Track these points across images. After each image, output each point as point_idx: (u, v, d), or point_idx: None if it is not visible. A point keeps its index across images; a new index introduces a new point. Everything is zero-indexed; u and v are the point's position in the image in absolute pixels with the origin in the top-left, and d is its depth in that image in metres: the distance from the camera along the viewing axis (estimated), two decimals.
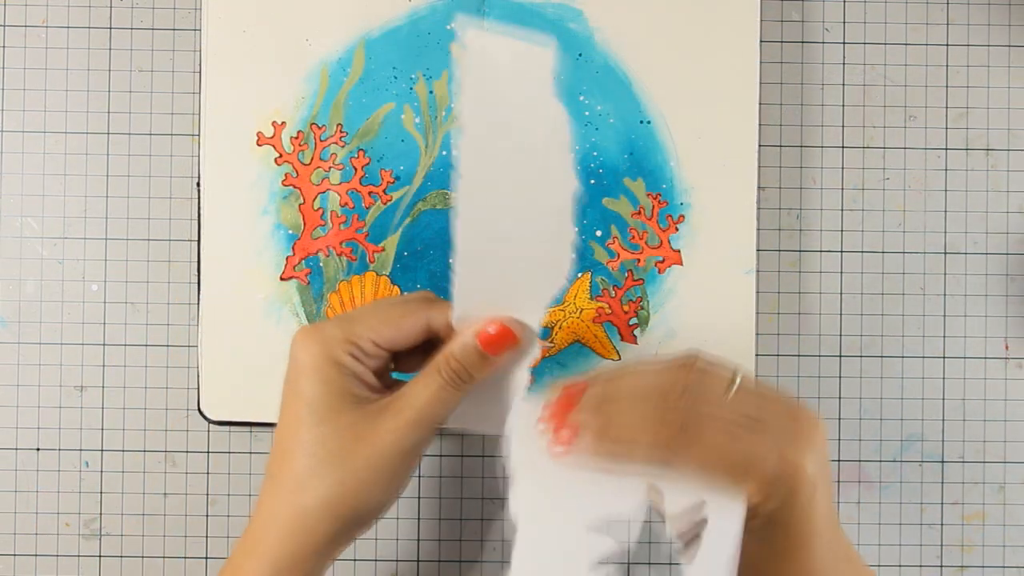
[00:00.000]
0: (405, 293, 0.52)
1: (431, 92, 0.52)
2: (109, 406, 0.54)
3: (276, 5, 0.52)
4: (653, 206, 0.53)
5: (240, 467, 0.54)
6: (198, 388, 0.52)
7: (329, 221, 0.52)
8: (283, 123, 0.52)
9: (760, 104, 0.53)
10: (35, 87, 0.54)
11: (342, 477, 0.40)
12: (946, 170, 0.54)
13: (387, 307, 0.43)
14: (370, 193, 0.52)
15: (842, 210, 0.54)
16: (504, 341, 0.42)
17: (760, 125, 0.53)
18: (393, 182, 0.52)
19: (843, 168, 0.54)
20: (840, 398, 0.54)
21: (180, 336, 0.54)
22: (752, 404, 0.38)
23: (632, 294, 0.53)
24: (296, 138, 0.52)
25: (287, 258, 0.52)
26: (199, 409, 0.52)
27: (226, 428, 0.54)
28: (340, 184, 0.52)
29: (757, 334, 0.53)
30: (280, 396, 0.42)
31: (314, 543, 0.40)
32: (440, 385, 0.41)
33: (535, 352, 0.43)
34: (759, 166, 0.53)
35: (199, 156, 0.52)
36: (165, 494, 0.54)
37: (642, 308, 0.53)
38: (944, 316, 0.54)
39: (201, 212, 0.52)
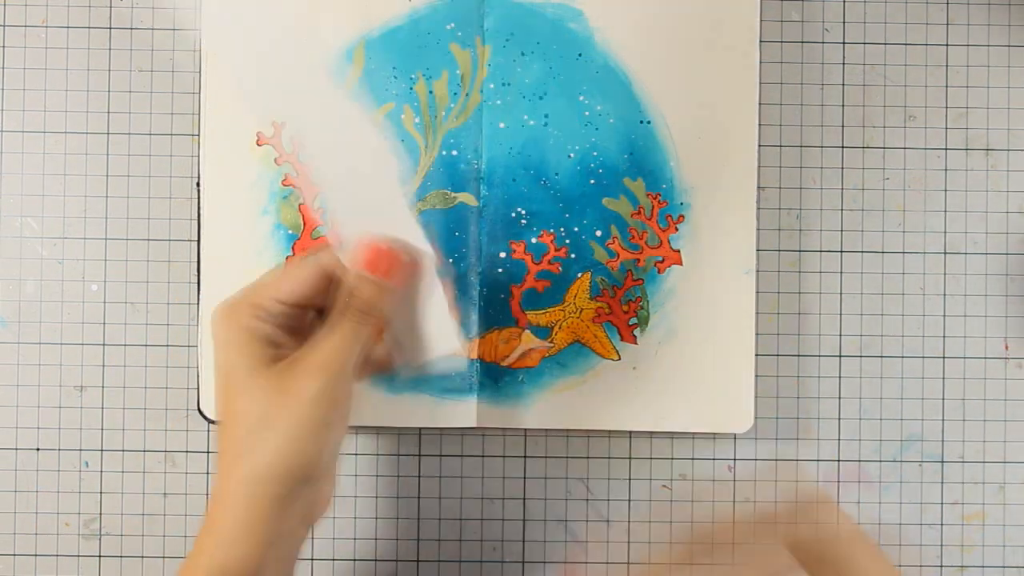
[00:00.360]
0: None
1: (431, 92, 0.52)
2: (109, 406, 0.54)
3: (276, 5, 0.52)
4: (653, 206, 0.53)
5: None
6: (198, 388, 0.52)
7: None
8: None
9: (760, 104, 0.53)
10: (35, 87, 0.54)
11: (271, 436, 0.41)
12: (946, 170, 0.54)
13: (285, 265, 0.44)
14: None
15: (842, 210, 0.54)
16: (383, 258, 0.43)
17: (760, 125, 0.53)
18: None
19: (843, 168, 0.54)
20: (840, 398, 0.54)
21: (180, 336, 0.54)
22: None
23: (632, 294, 0.53)
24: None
25: (287, 258, 0.52)
26: (199, 409, 0.52)
27: None
28: None
29: (757, 334, 0.53)
30: None
31: (262, 508, 0.41)
32: (346, 325, 0.42)
33: (432, 271, 0.45)
34: (759, 166, 0.53)
35: (199, 156, 0.52)
36: (165, 494, 0.54)
37: (642, 308, 0.53)
38: (944, 316, 0.54)
39: (201, 212, 0.52)
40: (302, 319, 0.45)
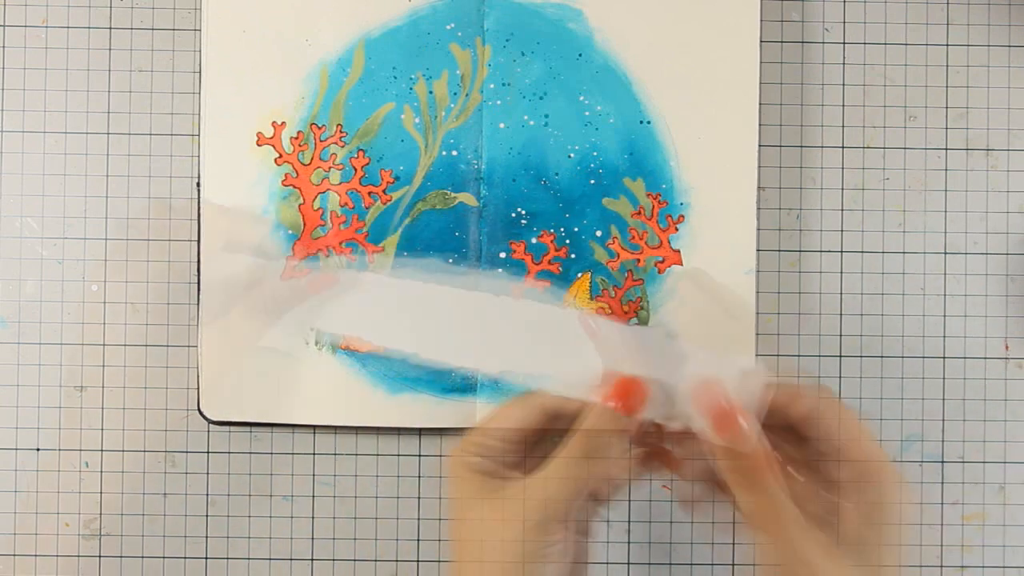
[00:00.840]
0: None
1: (431, 92, 0.52)
2: (109, 406, 0.54)
3: (276, 5, 0.52)
4: (653, 206, 0.53)
5: (240, 467, 0.54)
6: (198, 388, 0.52)
7: (329, 221, 0.52)
8: (283, 123, 0.52)
9: (760, 104, 0.53)
10: (35, 87, 0.54)
11: (488, 567, 0.41)
12: (946, 170, 0.54)
13: (507, 403, 0.45)
14: (370, 193, 0.52)
15: (842, 210, 0.54)
16: (633, 392, 0.42)
17: (760, 125, 0.53)
18: (393, 182, 0.52)
19: (843, 168, 0.54)
20: (840, 398, 0.54)
21: (180, 336, 0.54)
22: None
23: (632, 294, 0.53)
24: (296, 138, 0.52)
25: (287, 258, 0.52)
26: (199, 409, 0.52)
27: (226, 428, 0.54)
28: (340, 184, 0.52)
29: (757, 334, 0.53)
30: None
31: None
32: (574, 459, 0.42)
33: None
34: (759, 166, 0.53)
35: (199, 156, 0.53)
36: (165, 494, 0.54)
37: (642, 308, 0.53)
38: (944, 316, 0.54)
39: (201, 212, 0.52)
40: (525, 449, 0.45)
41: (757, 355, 0.53)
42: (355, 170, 0.52)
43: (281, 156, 0.52)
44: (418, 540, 0.54)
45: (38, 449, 0.54)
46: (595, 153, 0.53)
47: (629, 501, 0.54)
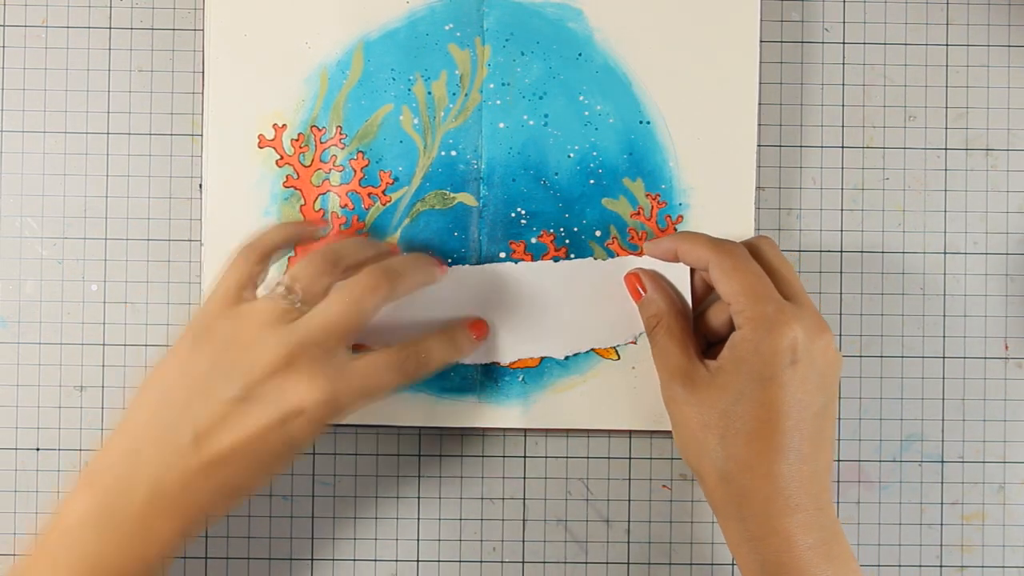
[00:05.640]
0: None
1: (429, 93, 0.52)
2: (109, 406, 0.54)
3: (275, 8, 0.52)
4: (652, 206, 0.53)
5: None
6: None
7: (330, 222, 0.52)
8: (284, 125, 0.52)
9: (760, 104, 0.53)
10: (35, 87, 0.54)
11: None
12: (946, 170, 0.54)
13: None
14: (369, 194, 0.52)
15: (842, 210, 0.54)
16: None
17: (760, 125, 0.53)
18: (392, 183, 0.52)
19: (843, 168, 0.54)
20: (840, 398, 0.54)
21: None
22: None
23: None
24: (297, 140, 0.52)
25: (289, 259, 0.52)
26: None
27: None
28: (340, 186, 0.52)
29: None
30: None
31: None
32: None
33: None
34: (759, 166, 0.53)
35: (202, 158, 0.53)
36: None
37: None
38: (944, 316, 0.54)
39: (203, 213, 0.52)
40: None
41: None
42: (355, 171, 0.52)
43: (282, 158, 0.52)
44: (418, 540, 0.54)
45: (38, 449, 0.54)
46: (595, 153, 0.53)
47: (629, 501, 0.54)
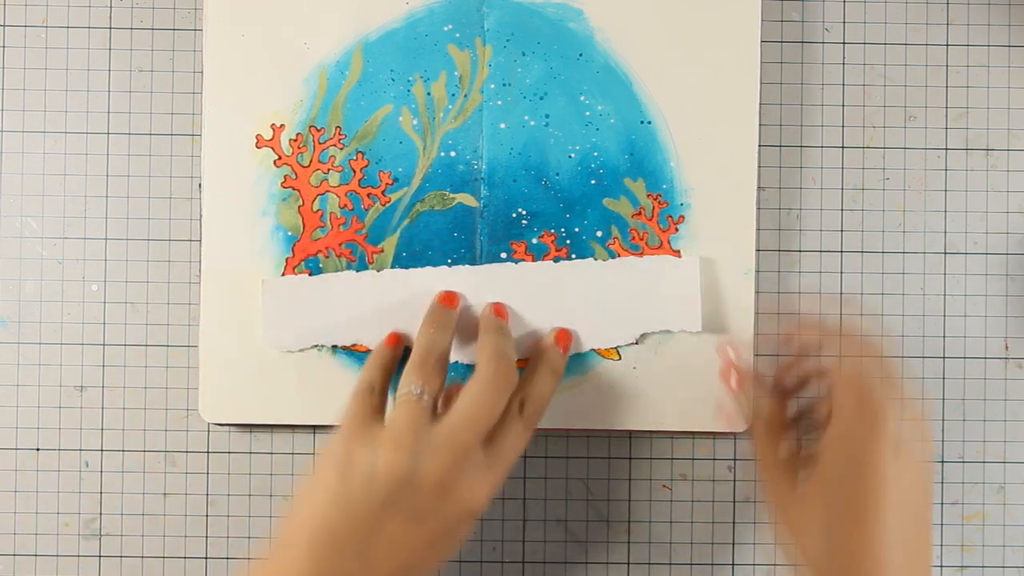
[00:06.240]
0: None
1: (428, 94, 0.52)
2: (109, 406, 0.54)
3: (274, 8, 0.52)
4: (653, 206, 0.53)
5: (239, 467, 0.54)
6: (198, 388, 0.52)
7: (328, 223, 0.52)
8: (282, 125, 0.52)
9: (760, 104, 0.53)
10: (35, 87, 0.54)
11: None
12: (946, 170, 0.54)
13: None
14: (369, 195, 0.52)
15: (842, 210, 0.54)
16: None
17: (760, 125, 0.53)
18: (391, 184, 0.52)
19: (843, 168, 0.54)
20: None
21: (180, 336, 0.54)
22: None
23: None
24: (295, 140, 0.52)
25: (286, 259, 0.52)
26: (199, 410, 0.52)
27: (225, 428, 0.54)
28: (339, 186, 0.52)
29: (757, 334, 0.53)
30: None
31: None
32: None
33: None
34: (759, 166, 0.53)
35: (200, 157, 0.53)
36: (165, 494, 0.54)
37: None
38: (944, 316, 0.54)
39: (202, 213, 0.52)
40: None
41: (756, 355, 0.53)
42: (354, 172, 0.52)
43: (280, 158, 0.52)
44: None
45: (38, 449, 0.54)
46: (595, 153, 0.53)
47: (629, 501, 0.54)
